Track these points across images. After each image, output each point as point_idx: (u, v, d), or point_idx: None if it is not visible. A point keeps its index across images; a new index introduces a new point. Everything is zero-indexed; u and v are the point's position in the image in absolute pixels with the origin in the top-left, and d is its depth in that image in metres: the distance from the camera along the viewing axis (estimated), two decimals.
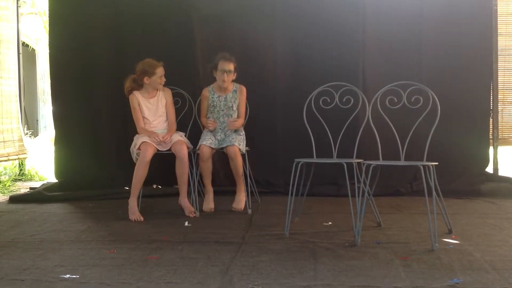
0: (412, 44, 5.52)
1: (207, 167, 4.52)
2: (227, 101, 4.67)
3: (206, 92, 4.73)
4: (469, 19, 5.55)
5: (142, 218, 4.21)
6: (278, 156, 5.50)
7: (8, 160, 6.86)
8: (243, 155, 4.55)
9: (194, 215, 4.36)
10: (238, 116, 4.71)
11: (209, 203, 4.62)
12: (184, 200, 4.44)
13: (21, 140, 6.92)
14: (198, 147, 4.52)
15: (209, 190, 4.64)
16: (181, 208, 4.46)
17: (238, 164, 4.49)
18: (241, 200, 4.62)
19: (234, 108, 4.69)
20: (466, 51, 5.55)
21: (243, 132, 4.74)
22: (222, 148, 4.55)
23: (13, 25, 6.82)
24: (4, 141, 6.59)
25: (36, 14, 11.98)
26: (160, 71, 4.51)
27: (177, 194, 4.52)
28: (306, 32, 5.52)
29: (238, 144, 4.50)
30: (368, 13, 5.52)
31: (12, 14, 6.81)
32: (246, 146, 4.70)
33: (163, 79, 4.55)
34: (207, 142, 4.50)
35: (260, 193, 5.14)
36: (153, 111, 4.58)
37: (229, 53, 4.62)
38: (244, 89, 4.70)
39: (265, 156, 5.46)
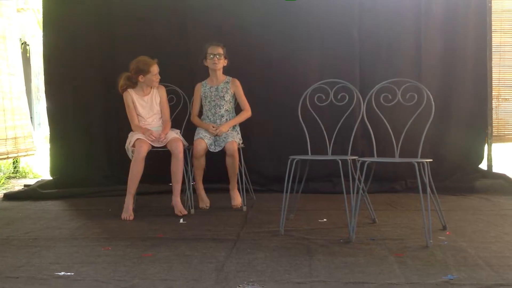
0: (409, 42, 5.51)
1: (199, 165, 4.51)
2: (218, 91, 4.66)
3: (199, 86, 4.74)
4: (466, 16, 5.55)
5: (132, 217, 4.19)
6: (273, 153, 5.49)
7: (18, 156, 6.85)
8: (238, 151, 4.53)
9: (182, 214, 4.30)
10: (243, 109, 4.69)
11: (204, 199, 4.63)
12: (176, 199, 4.39)
13: (30, 136, 6.90)
14: (194, 142, 4.51)
15: (201, 187, 4.64)
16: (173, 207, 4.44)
17: (236, 161, 4.48)
18: (238, 196, 4.63)
19: (226, 99, 4.66)
20: (463, 48, 5.56)
21: (238, 128, 4.73)
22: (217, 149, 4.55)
23: (13, 21, 6.79)
24: (15, 138, 6.58)
25: (30, 9, 11.92)
26: (154, 69, 4.49)
27: (171, 192, 4.49)
28: (301, 28, 5.51)
29: (234, 138, 4.49)
30: (364, 10, 5.51)
31: (11, 10, 6.79)
32: (242, 143, 4.70)
33: (158, 77, 4.53)
34: (203, 138, 4.49)
35: (255, 190, 5.14)
36: (148, 108, 4.57)
37: (221, 42, 4.65)
38: (237, 82, 4.69)
39: (260, 153, 5.46)
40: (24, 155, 6.95)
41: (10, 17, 6.70)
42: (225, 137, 4.50)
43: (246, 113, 4.71)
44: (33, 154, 7.08)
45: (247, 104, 4.71)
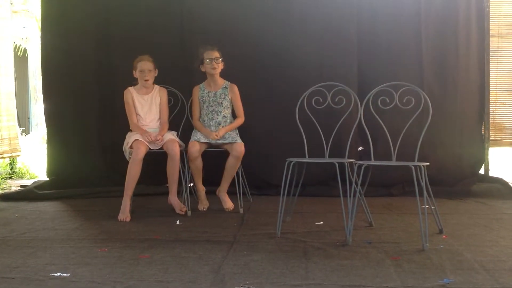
0: (408, 44, 5.51)
1: (196, 166, 4.51)
2: (217, 97, 4.66)
3: (197, 89, 4.74)
4: (464, 20, 5.57)
5: (128, 219, 4.18)
6: (270, 156, 5.48)
7: (2, 158, 6.82)
8: None
9: (185, 212, 4.34)
10: (238, 116, 4.70)
11: (203, 202, 4.63)
12: (174, 198, 4.42)
13: (16, 138, 6.88)
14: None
15: (200, 189, 4.64)
16: (171, 207, 4.44)
17: (238, 164, 4.51)
18: (229, 199, 4.65)
19: (224, 105, 4.67)
20: (461, 52, 5.57)
21: (237, 130, 4.74)
22: (215, 146, 4.55)
23: (7, 22, 6.77)
24: (1, 139, 6.56)
25: (28, 11, 11.93)
26: (141, 65, 4.51)
27: (168, 193, 4.49)
28: (299, 31, 5.51)
29: (238, 141, 4.52)
30: (363, 13, 5.52)
31: (6, 11, 6.77)
32: None
33: (146, 75, 4.52)
34: (198, 139, 4.50)
35: (252, 193, 5.14)
36: (147, 108, 4.58)
37: (215, 45, 4.66)
38: (235, 87, 4.70)
39: (257, 156, 5.43)
40: (9, 156, 6.92)
41: (3, 17, 6.68)
42: (232, 138, 4.52)
43: (240, 120, 4.71)
44: (18, 156, 7.06)
45: (242, 111, 4.71)
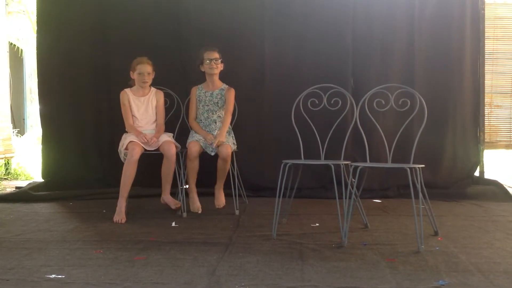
0: (402, 47, 5.52)
1: (193, 167, 4.52)
2: (213, 97, 4.68)
3: (195, 89, 4.77)
4: (459, 23, 5.58)
5: (124, 220, 4.17)
6: (266, 158, 5.49)
7: None
8: (231, 155, 4.54)
9: (179, 207, 4.34)
10: (225, 112, 4.68)
11: (196, 203, 4.63)
12: (167, 196, 4.43)
13: (9, 139, 6.86)
14: (187, 144, 4.53)
15: (194, 190, 4.64)
16: (166, 206, 4.43)
17: (227, 165, 4.53)
18: (222, 197, 4.70)
19: (219, 105, 4.69)
20: (456, 54, 5.59)
21: (232, 132, 4.74)
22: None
23: (2, 22, 6.75)
24: None
25: (23, 12, 11.91)
26: (140, 67, 4.51)
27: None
28: (295, 33, 5.52)
29: (228, 142, 4.52)
30: (358, 16, 5.52)
31: (0, 11, 6.75)
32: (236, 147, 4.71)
33: (145, 77, 4.52)
34: (198, 140, 4.51)
35: (248, 195, 5.13)
36: (143, 110, 4.57)
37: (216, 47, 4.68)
38: (232, 90, 4.72)
39: (253, 157, 5.45)
40: (3, 158, 6.90)
41: None
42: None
43: (226, 116, 4.64)
44: (12, 157, 7.04)
45: (230, 110, 4.66)
